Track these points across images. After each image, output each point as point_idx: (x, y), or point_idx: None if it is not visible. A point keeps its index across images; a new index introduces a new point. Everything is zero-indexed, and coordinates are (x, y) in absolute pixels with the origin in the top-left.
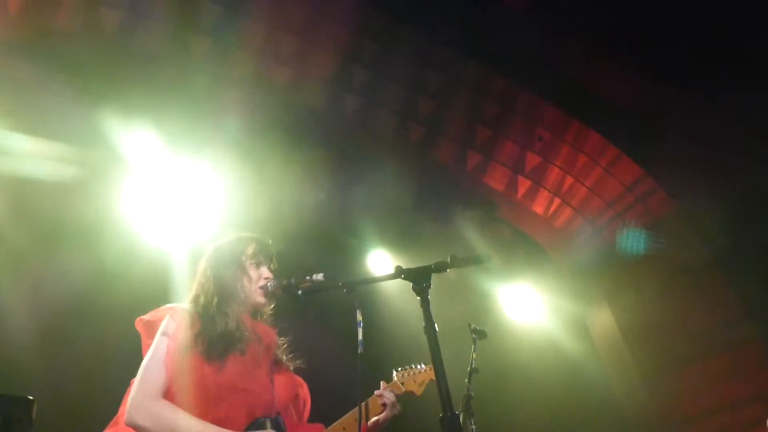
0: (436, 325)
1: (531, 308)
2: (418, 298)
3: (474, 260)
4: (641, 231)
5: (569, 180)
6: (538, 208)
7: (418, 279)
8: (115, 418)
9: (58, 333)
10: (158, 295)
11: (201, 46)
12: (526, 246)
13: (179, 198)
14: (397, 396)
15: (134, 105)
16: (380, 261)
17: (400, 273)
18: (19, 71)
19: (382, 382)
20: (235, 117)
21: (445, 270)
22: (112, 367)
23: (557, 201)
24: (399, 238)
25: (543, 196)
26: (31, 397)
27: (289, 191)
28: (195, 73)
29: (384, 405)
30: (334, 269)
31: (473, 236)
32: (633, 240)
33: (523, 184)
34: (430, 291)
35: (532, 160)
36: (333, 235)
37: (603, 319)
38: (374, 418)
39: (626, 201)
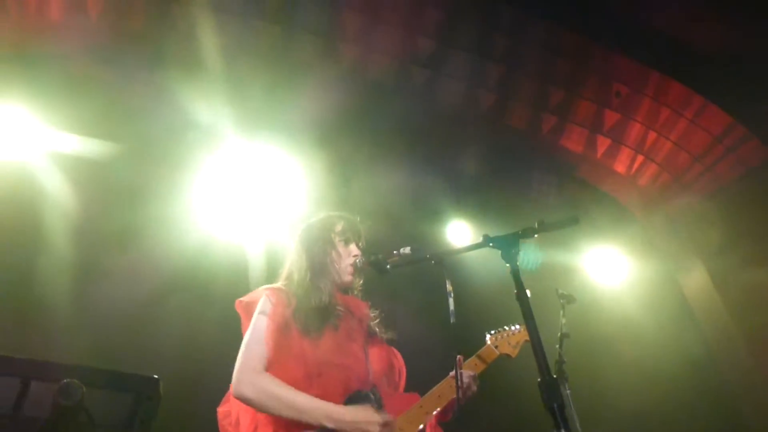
0: (528, 292)
1: (617, 271)
2: (507, 265)
3: (563, 223)
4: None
5: (652, 135)
6: (620, 167)
7: (507, 246)
8: (226, 395)
9: (163, 314)
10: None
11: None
12: (608, 207)
13: (256, 183)
14: (473, 377)
15: (215, 95)
16: (459, 232)
17: (488, 241)
18: (101, 74)
19: (459, 358)
20: (307, 99)
21: (534, 235)
22: (221, 348)
23: (640, 158)
24: (477, 207)
25: (624, 154)
26: (156, 376)
27: (364, 169)
28: (270, 59)
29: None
30: (417, 243)
31: (553, 200)
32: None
33: (603, 144)
34: (519, 258)
35: (611, 117)
36: (411, 210)
37: (698, 281)
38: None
39: (716, 153)
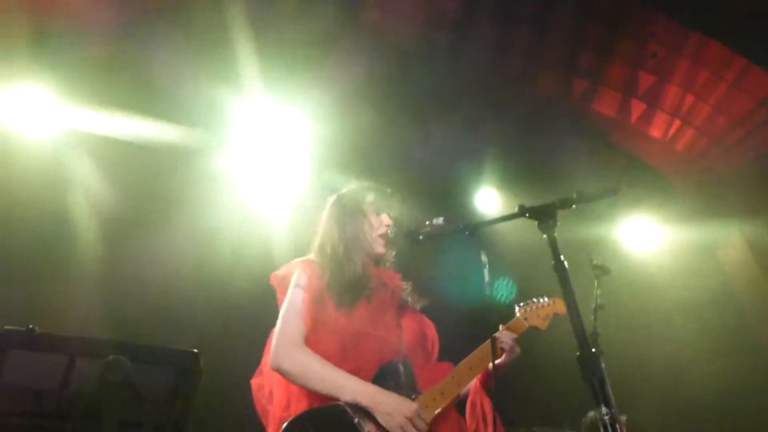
0: (566, 263)
1: (652, 239)
2: (544, 236)
3: (602, 194)
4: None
5: (690, 99)
6: (656, 132)
7: (544, 217)
8: (259, 368)
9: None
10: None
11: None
12: (643, 174)
13: (282, 154)
14: (516, 338)
15: (240, 68)
16: (488, 200)
17: (524, 212)
18: (125, 51)
19: (500, 326)
20: (332, 67)
21: (571, 206)
22: (254, 321)
23: (677, 123)
24: (506, 175)
25: (660, 118)
26: (196, 350)
27: (390, 137)
28: (293, 28)
29: (502, 349)
30: (444, 211)
31: (585, 167)
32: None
33: (637, 108)
34: (556, 229)
35: (646, 80)
36: (439, 178)
37: (736, 250)
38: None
39: (758, 117)
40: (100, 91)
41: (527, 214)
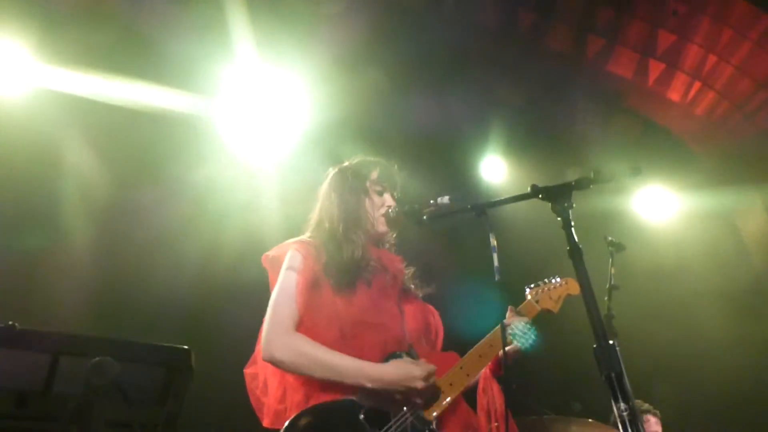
0: (581, 248)
1: (669, 209)
2: (559, 219)
3: (622, 174)
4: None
5: (711, 59)
6: (675, 95)
7: (558, 198)
8: (252, 357)
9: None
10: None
11: None
12: (660, 139)
13: (277, 117)
14: (527, 323)
15: (234, 22)
16: (495, 168)
17: (537, 192)
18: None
19: (509, 310)
20: (332, 25)
21: (588, 186)
22: (249, 309)
23: (697, 84)
24: (514, 141)
25: (680, 80)
26: (187, 347)
27: (392, 100)
28: None
29: (514, 335)
30: (448, 181)
31: (598, 132)
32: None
33: (656, 68)
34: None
35: (665, 39)
36: (443, 145)
37: (757, 221)
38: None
39: None
40: (79, 48)
41: (540, 195)
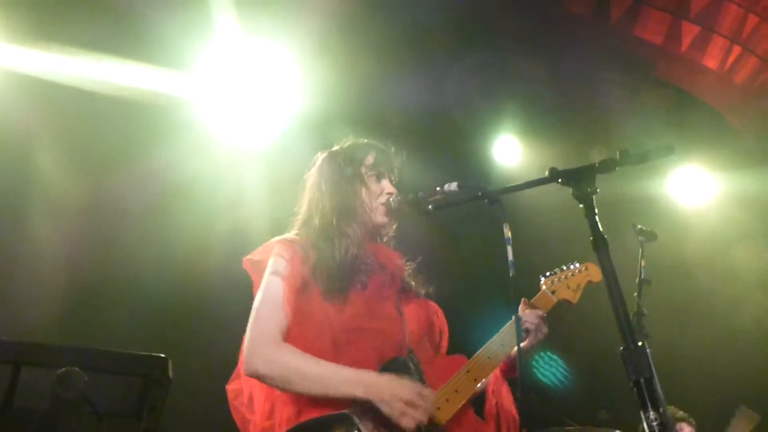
0: (607, 239)
1: (706, 192)
2: (581, 206)
3: (653, 154)
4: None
5: (753, 20)
6: (711, 62)
7: (581, 183)
8: (235, 371)
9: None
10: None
11: None
12: (696, 112)
13: (261, 98)
14: (542, 316)
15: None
16: (509, 149)
17: (556, 176)
18: None
19: (522, 302)
20: None
21: (614, 169)
22: (233, 313)
23: (737, 49)
24: (530, 119)
25: (717, 44)
26: (164, 355)
27: (394, 77)
28: None
29: (527, 330)
30: (457, 166)
31: (625, 107)
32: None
33: (689, 32)
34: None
35: None
36: (451, 126)
37: None
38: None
39: None
40: (44, 25)
41: (560, 180)
